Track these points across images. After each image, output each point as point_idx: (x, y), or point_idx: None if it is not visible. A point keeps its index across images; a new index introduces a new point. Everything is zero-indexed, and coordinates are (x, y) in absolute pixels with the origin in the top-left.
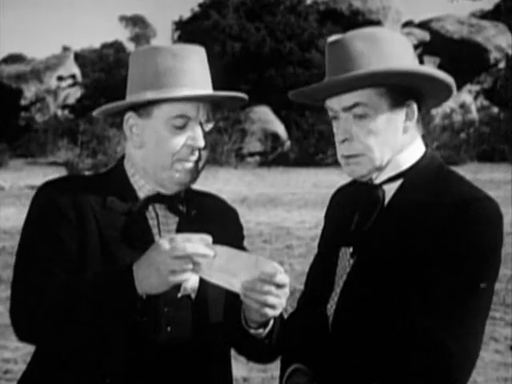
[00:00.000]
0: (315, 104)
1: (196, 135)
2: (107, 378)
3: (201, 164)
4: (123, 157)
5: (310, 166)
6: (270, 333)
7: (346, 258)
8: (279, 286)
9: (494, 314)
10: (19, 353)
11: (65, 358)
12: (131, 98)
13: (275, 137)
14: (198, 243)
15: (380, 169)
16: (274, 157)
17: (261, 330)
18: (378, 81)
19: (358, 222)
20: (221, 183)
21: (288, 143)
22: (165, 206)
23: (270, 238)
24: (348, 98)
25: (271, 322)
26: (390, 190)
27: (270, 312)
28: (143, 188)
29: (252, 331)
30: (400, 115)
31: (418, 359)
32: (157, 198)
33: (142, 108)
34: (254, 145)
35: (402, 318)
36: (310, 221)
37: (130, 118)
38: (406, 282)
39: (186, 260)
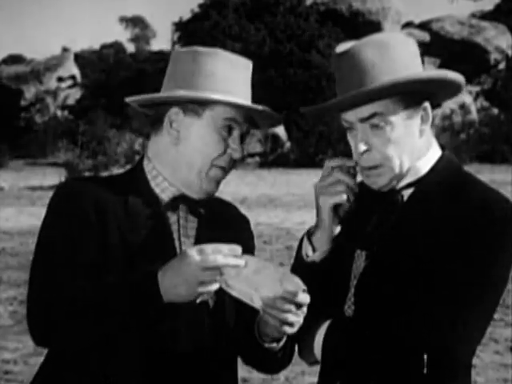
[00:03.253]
0: (328, 116)
1: (237, 146)
2: (120, 381)
3: (227, 174)
4: (143, 157)
5: (310, 166)
6: (284, 347)
7: (361, 260)
8: (299, 305)
9: (494, 315)
10: (19, 353)
11: (78, 363)
12: (182, 93)
13: (275, 138)
14: (227, 254)
15: (401, 176)
16: (274, 158)
17: (274, 345)
18: (396, 90)
19: (375, 226)
20: (221, 184)
21: (288, 144)
22: (186, 209)
23: (270, 238)
24: (365, 109)
25: (285, 337)
26: (407, 194)
27: (288, 330)
28: (167, 190)
29: (266, 345)
30: (416, 120)
31: (412, 337)
32: (181, 201)
33: (191, 106)
34: (254, 146)
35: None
36: (310, 221)
37: (175, 114)
38: (418, 284)
39: (215, 271)
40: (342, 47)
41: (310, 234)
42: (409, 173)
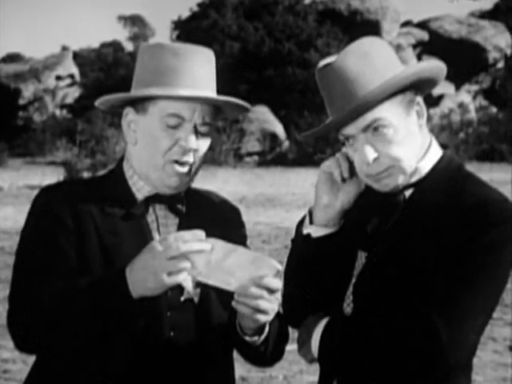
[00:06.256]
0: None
1: (188, 136)
2: (109, 381)
3: (194, 167)
4: (123, 157)
5: (309, 165)
6: (266, 340)
7: (362, 260)
8: (272, 290)
9: (492, 315)
10: (18, 353)
11: (67, 363)
12: (133, 92)
13: (274, 137)
14: (191, 240)
15: (411, 174)
16: (272, 157)
17: (256, 338)
18: (390, 92)
19: (377, 226)
20: (219, 183)
21: (286, 143)
22: (165, 207)
23: (268, 238)
24: (364, 118)
25: (266, 330)
26: (408, 194)
27: (262, 318)
28: (142, 189)
29: (247, 338)
30: (413, 116)
31: (408, 338)
32: (156, 199)
33: (140, 104)
34: (252, 145)
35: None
36: None
37: (129, 114)
38: (414, 284)
39: (182, 259)
40: (323, 62)
41: (311, 208)
42: (413, 173)
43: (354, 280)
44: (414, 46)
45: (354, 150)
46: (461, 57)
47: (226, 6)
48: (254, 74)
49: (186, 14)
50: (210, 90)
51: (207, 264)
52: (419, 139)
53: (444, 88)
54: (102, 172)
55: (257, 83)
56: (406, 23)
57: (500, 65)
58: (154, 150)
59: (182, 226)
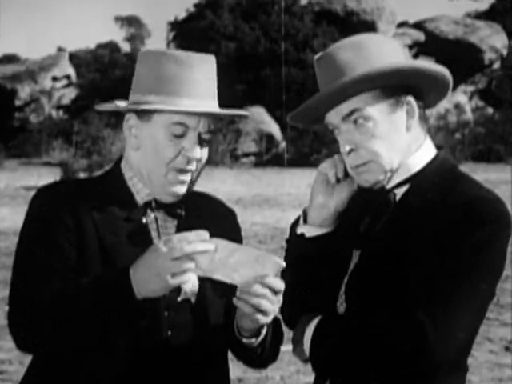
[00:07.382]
0: (315, 125)
1: (193, 146)
2: (107, 380)
3: (195, 175)
4: (120, 158)
5: (305, 166)
6: (262, 342)
7: (355, 260)
8: (275, 291)
9: (489, 314)
10: (14, 353)
11: (63, 363)
12: (134, 98)
13: (270, 137)
14: (195, 241)
15: (391, 172)
16: (268, 157)
17: (253, 340)
18: (369, 84)
19: (368, 225)
20: (216, 183)
21: (283, 144)
22: (163, 210)
23: (265, 238)
24: (344, 107)
25: (263, 332)
26: (400, 193)
27: (262, 318)
28: (141, 192)
29: (244, 340)
30: (400, 114)
31: (394, 337)
32: (155, 204)
33: (144, 111)
34: (248, 145)
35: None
36: None
37: (131, 119)
38: (404, 284)
39: (185, 260)
40: (319, 54)
41: (306, 208)
42: (399, 170)
43: (346, 279)
44: (410, 47)
45: (339, 138)
46: (457, 57)
47: (223, 6)
48: (251, 74)
49: (182, 14)
50: (213, 99)
51: (212, 263)
52: (406, 138)
53: None
54: (98, 172)
55: (253, 83)
56: (402, 24)
57: (496, 65)
58: (157, 158)
59: (180, 228)
